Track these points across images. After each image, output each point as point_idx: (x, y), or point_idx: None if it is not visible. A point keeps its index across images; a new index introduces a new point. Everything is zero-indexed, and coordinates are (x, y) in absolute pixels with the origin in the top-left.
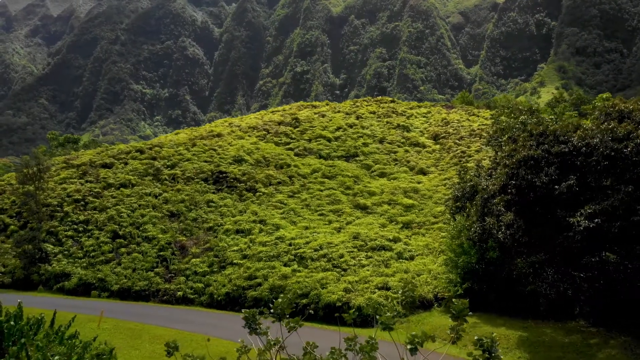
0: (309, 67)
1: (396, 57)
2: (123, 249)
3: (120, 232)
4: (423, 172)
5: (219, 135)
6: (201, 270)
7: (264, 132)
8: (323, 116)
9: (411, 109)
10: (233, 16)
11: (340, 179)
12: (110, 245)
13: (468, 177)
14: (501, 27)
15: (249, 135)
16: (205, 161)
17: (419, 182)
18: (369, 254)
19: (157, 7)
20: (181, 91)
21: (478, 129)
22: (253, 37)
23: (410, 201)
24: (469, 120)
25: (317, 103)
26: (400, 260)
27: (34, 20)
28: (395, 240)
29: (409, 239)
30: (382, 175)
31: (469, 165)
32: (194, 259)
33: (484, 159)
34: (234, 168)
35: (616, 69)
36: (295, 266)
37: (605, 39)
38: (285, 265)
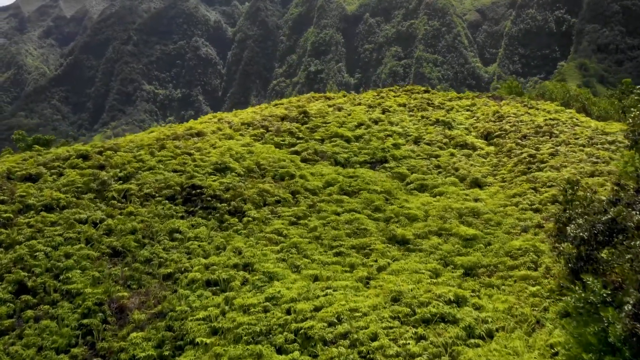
0: (323, 67)
1: (412, 56)
2: (30, 312)
3: (29, 284)
4: (478, 184)
5: (199, 134)
6: (144, 354)
7: (262, 131)
8: (340, 109)
9: (450, 100)
10: (246, 15)
11: (365, 195)
12: (12, 305)
13: (596, 203)
14: (519, 25)
15: (242, 134)
16: (175, 171)
17: (476, 200)
18: (420, 330)
19: (170, 6)
20: (194, 91)
21: (545, 124)
22: (266, 36)
23: (471, 231)
24: (528, 114)
25: (331, 94)
26: (472, 339)
27: (47, 21)
28: (459, 301)
29: (479, 297)
30: (422, 188)
31: (544, 174)
32: (136, 333)
33: (565, 165)
34: (214, 181)
35: (639, 65)
36: (297, 354)
37: (627, 36)
38: (279, 350)
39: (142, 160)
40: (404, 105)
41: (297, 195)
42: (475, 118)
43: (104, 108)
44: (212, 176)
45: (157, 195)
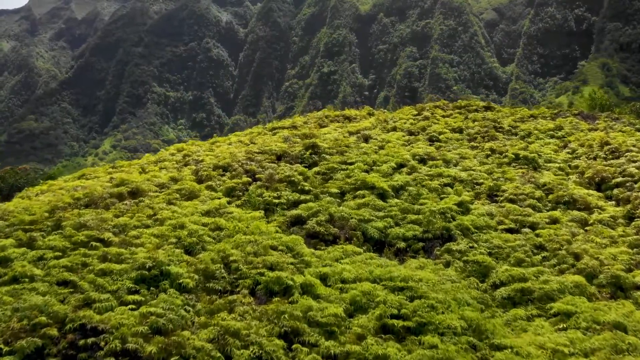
0: (336, 68)
1: (427, 56)
2: None
3: None
4: (621, 288)
5: (134, 193)
6: None
7: (246, 180)
8: (367, 139)
9: (523, 120)
10: (258, 16)
11: (432, 342)
12: None
13: None
14: (538, 24)
15: (211, 188)
16: (62, 283)
17: None
18: None
19: (181, 8)
20: (205, 94)
21: None
22: (279, 37)
23: None
24: None
25: (352, 112)
26: None
27: (58, 23)
28: None
29: None
30: (523, 298)
31: None
32: None
33: None
34: (133, 309)
35: None
36: None
37: None
38: None
39: (3, 259)
40: (460, 130)
41: (295, 343)
42: (568, 150)
43: (115, 111)
44: (130, 297)
45: (5, 350)
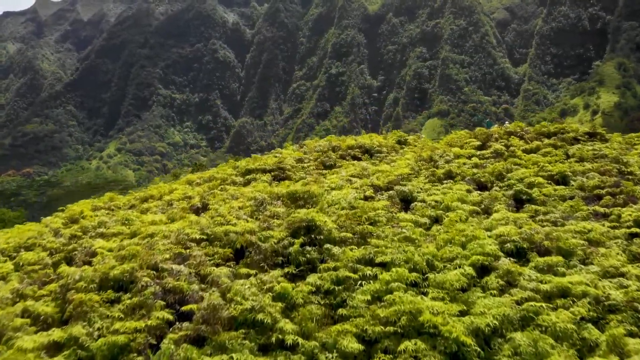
0: (344, 69)
1: (437, 57)
2: None
3: None
4: None
5: None
6: None
7: (159, 319)
8: (407, 204)
9: None
10: (265, 17)
11: None
12: None
13: None
14: (551, 23)
15: (78, 349)
16: None
17: None
18: None
19: (187, 8)
20: (212, 96)
21: None
22: (286, 38)
23: None
24: None
25: (374, 138)
26: None
27: (64, 25)
28: None
29: None
30: None
31: None
32: None
33: None
34: None
35: None
36: None
37: None
38: None
39: None
40: (564, 179)
41: None
42: None
43: (120, 113)
44: None
45: None
